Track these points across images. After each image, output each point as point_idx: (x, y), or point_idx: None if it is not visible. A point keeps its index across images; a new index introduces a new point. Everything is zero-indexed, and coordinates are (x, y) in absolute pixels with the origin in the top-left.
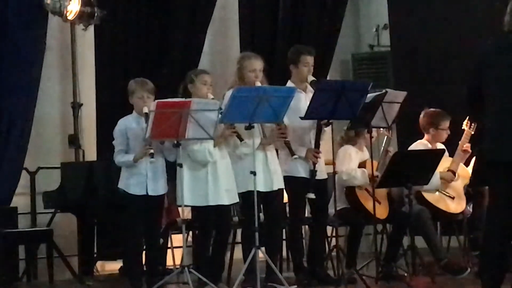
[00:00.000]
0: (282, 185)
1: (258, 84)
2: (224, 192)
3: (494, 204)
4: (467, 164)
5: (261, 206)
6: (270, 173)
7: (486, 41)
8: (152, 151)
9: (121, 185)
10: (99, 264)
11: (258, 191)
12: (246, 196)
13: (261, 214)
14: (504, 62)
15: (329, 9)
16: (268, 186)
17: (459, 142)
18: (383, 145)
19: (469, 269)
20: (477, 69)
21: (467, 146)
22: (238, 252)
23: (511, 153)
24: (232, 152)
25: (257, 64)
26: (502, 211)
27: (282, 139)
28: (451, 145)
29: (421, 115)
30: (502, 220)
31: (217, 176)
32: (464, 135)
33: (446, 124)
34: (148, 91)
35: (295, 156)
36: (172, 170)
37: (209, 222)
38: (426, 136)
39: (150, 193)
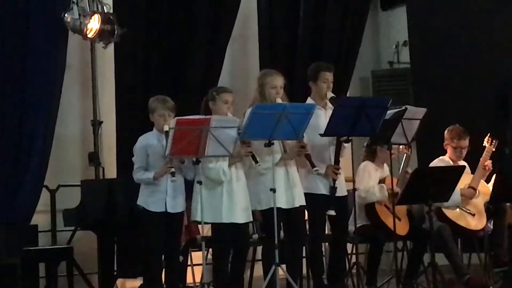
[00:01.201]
0: (303, 202)
1: (279, 101)
2: (239, 210)
3: None
4: (488, 181)
5: (282, 223)
6: (291, 190)
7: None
8: (173, 169)
9: (140, 202)
10: (119, 281)
11: (279, 208)
12: (267, 213)
13: (281, 231)
14: None
15: (348, 26)
16: (290, 203)
17: (480, 158)
18: (402, 163)
19: (490, 287)
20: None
21: (488, 162)
22: (258, 269)
23: None
24: (251, 170)
25: (279, 80)
26: None
27: (303, 152)
28: (472, 161)
29: (445, 132)
30: None
31: (233, 194)
32: (485, 151)
33: (461, 142)
34: (169, 109)
35: (316, 169)
36: (191, 188)
37: (225, 239)
38: (448, 152)
39: (169, 211)
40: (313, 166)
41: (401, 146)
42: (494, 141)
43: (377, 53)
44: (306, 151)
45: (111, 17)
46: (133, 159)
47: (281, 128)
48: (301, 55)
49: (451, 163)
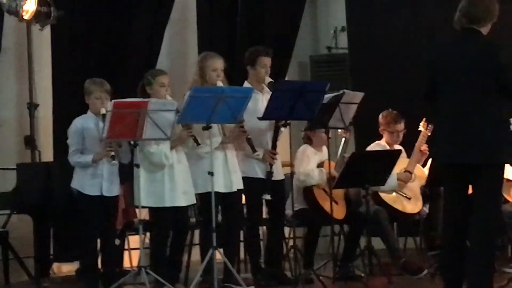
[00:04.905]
0: (241, 186)
1: (220, 83)
2: (181, 193)
3: (447, 204)
4: (424, 165)
5: (219, 206)
6: (230, 174)
7: (439, 40)
8: (113, 153)
9: (74, 185)
10: (55, 265)
11: (217, 192)
12: (205, 197)
13: (219, 215)
14: (454, 63)
15: (287, 10)
16: (228, 187)
17: (416, 143)
18: (341, 146)
19: (425, 270)
20: (430, 69)
21: (424, 147)
22: (196, 253)
23: (460, 155)
24: (191, 152)
25: (219, 63)
26: (456, 210)
27: (243, 135)
28: (408, 146)
29: (380, 117)
30: (457, 218)
31: (174, 177)
32: (420, 136)
33: (397, 126)
34: (106, 92)
35: (257, 153)
36: (129, 171)
37: (166, 223)
38: (384, 137)
39: (105, 194)
40: (254, 150)
41: (339, 130)
42: (429, 125)
43: (315, 38)
44: (247, 135)
45: None
46: (68, 141)
47: (219, 112)
48: (239, 39)
49: (388, 147)
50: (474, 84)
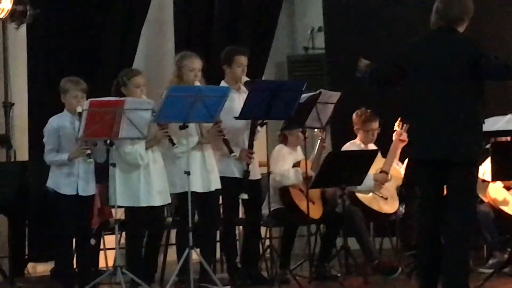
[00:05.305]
0: (219, 186)
1: (197, 83)
2: (156, 193)
3: (423, 204)
4: (402, 162)
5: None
6: (208, 173)
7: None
8: (89, 151)
9: (50, 184)
10: (30, 265)
11: (195, 192)
12: (182, 197)
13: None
14: (433, 60)
15: (264, 10)
16: (206, 187)
17: (392, 142)
18: (316, 147)
19: (400, 269)
20: (399, 60)
21: (404, 136)
22: (172, 253)
23: (434, 151)
24: (168, 152)
25: (197, 63)
26: (431, 209)
27: (220, 137)
28: (383, 145)
29: (354, 116)
30: (432, 218)
31: (150, 177)
32: (395, 135)
33: (371, 125)
34: (82, 91)
35: (234, 154)
36: (105, 170)
37: (141, 223)
38: (358, 136)
39: (80, 193)
40: (231, 151)
41: (315, 130)
42: (404, 124)
43: (292, 39)
44: (224, 135)
45: None
46: (44, 140)
47: (196, 111)
48: (216, 39)
49: (363, 146)
50: (454, 80)
